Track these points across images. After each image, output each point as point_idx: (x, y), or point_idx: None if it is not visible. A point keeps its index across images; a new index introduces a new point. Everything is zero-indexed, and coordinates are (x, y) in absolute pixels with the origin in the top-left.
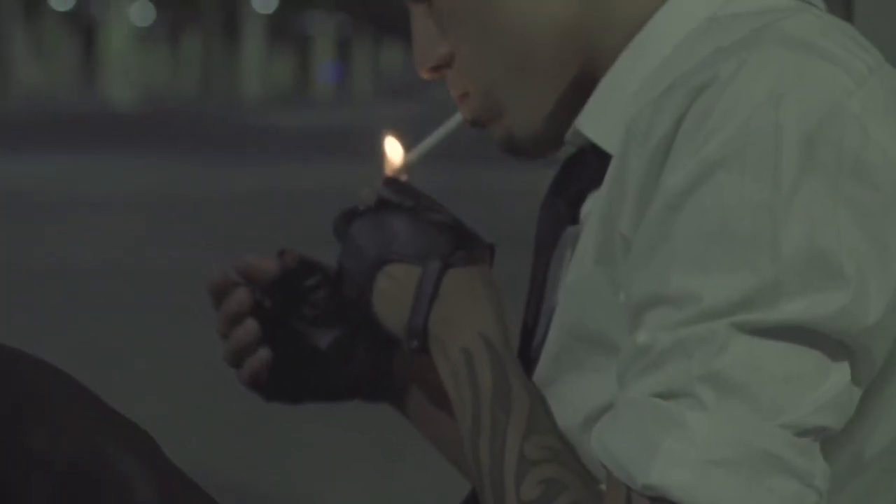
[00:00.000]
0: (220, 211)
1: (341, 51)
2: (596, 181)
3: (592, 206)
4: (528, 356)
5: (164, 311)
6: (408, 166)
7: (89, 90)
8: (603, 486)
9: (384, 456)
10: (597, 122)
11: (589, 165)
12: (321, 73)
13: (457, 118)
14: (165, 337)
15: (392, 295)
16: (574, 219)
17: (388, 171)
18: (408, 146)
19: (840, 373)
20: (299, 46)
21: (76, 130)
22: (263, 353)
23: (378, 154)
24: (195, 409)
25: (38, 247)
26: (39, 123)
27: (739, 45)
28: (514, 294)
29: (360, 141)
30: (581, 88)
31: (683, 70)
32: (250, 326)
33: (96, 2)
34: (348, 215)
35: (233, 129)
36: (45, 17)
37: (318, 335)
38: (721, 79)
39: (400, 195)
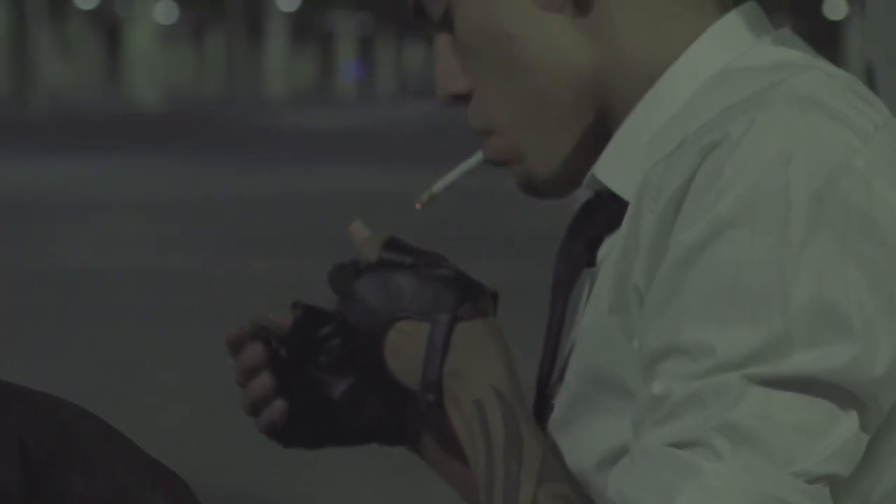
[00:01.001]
0: (244, 214)
1: (364, 49)
2: (612, 225)
3: (608, 252)
4: (545, 393)
5: (186, 316)
6: (431, 199)
7: (113, 89)
8: None
9: (391, 468)
10: (613, 169)
11: (606, 209)
12: (344, 72)
13: (478, 156)
14: (188, 343)
15: (404, 350)
16: (591, 261)
17: (417, 204)
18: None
19: (849, 422)
20: (322, 44)
21: (99, 131)
22: (279, 404)
23: (401, 157)
24: (212, 414)
25: (57, 250)
26: (63, 123)
27: (749, 103)
28: (530, 300)
29: (384, 142)
30: (597, 134)
31: (695, 125)
32: (266, 380)
33: (121, 0)
34: (347, 270)
35: (256, 130)
36: (71, 15)
37: (333, 383)
38: (732, 138)
39: (401, 253)
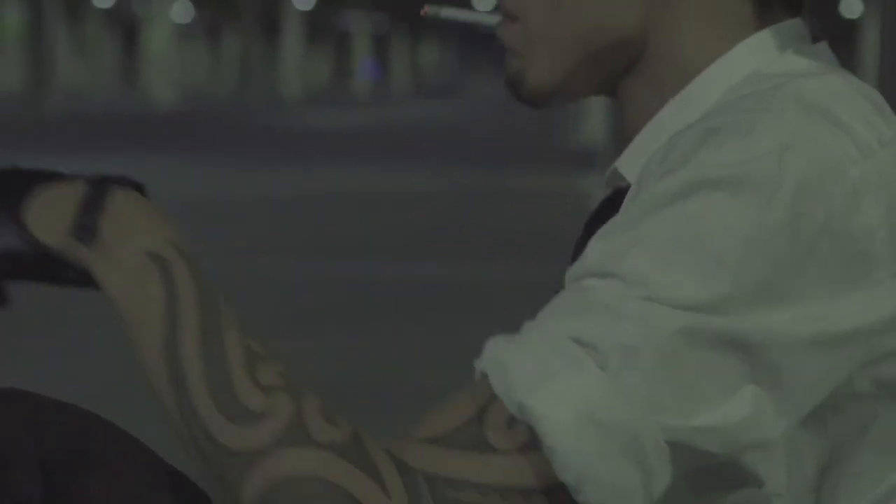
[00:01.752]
0: (260, 216)
1: (379, 48)
2: None
3: None
4: None
5: None
6: (434, 14)
7: (129, 88)
8: None
9: None
10: (635, 164)
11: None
12: (360, 71)
13: (494, 19)
14: None
15: (50, 209)
16: None
17: (424, 9)
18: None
19: (749, 402)
20: (337, 43)
21: (115, 131)
22: None
23: (417, 157)
24: None
25: None
26: (79, 123)
27: (757, 97)
28: (533, 300)
29: (400, 142)
30: (599, 83)
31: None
32: None
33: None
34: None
35: (272, 130)
36: (88, 15)
37: None
38: (734, 125)
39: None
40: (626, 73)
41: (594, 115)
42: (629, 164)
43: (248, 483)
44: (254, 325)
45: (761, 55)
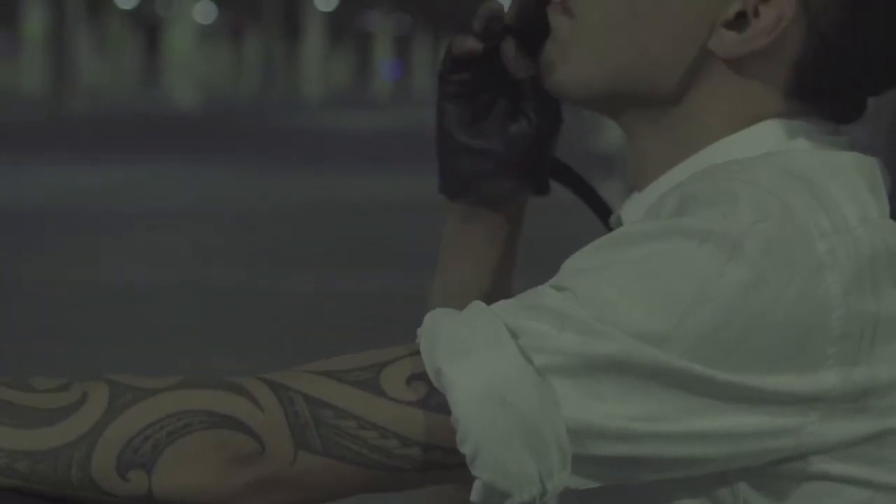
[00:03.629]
0: (284, 224)
1: (401, 49)
2: None
3: None
4: None
5: (225, 335)
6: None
7: (151, 89)
8: None
9: None
10: (635, 212)
11: None
12: (381, 72)
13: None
14: (224, 366)
15: None
16: None
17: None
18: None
19: (653, 429)
20: (359, 44)
21: (138, 133)
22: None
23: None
24: None
25: (95, 262)
26: (101, 125)
27: (744, 166)
28: None
29: (425, 145)
30: (617, 103)
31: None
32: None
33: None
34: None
35: (295, 133)
36: (111, 16)
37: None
38: (717, 192)
39: None
40: (645, 121)
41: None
42: (632, 211)
43: (97, 460)
44: (266, 340)
45: (774, 138)
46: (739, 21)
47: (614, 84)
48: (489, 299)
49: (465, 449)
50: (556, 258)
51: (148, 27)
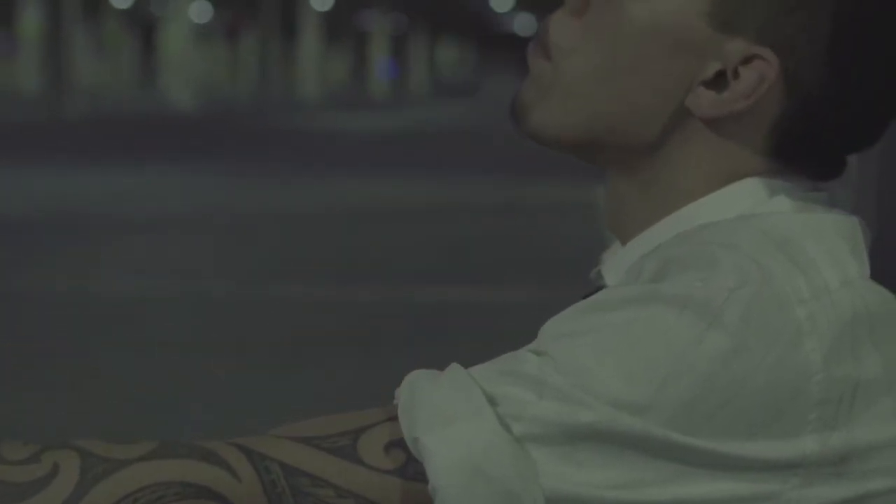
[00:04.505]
0: (280, 231)
1: (397, 48)
2: None
3: None
4: None
5: (221, 349)
6: None
7: (148, 90)
8: None
9: None
10: (615, 271)
11: None
12: (378, 71)
13: None
14: (219, 381)
15: None
16: None
17: None
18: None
19: (633, 494)
20: (355, 44)
21: (135, 135)
22: None
23: (442, 164)
24: None
25: (92, 273)
26: (98, 127)
27: (723, 230)
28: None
29: (422, 146)
30: (595, 150)
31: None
32: None
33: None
34: None
35: (292, 134)
36: (106, 15)
37: None
38: (696, 257)
39: None
40: (622, 170)
41: None
42: (611, 270)
43: None
44: (261, 351)
45: (754, 197)
46: (719, 81)
47: (590, 131)
48: None
49: None
50: (564, 265)
51: (144, 26)
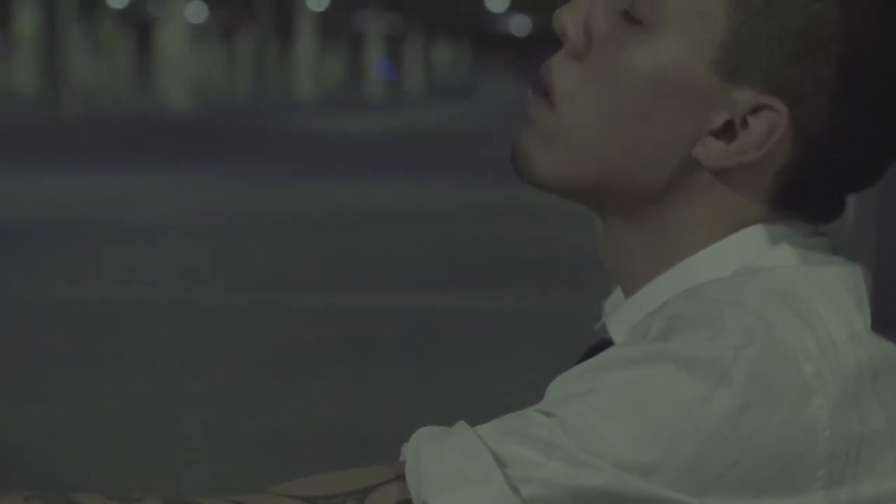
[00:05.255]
0: (277, 236)
1: (393, 49)
2: None
3: None
4: None
5: (215, 359)
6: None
7: (144, 89)
8: None
9: None
10: (621, 325)
11: None
12: (374, 72)
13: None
14: (213, 391)
15: None
16: None
17: None
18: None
19: None
20: (351, 44)
21: (132, 137)
22: None
23: (439, 166)
24: (241, 475)
25: (89, 279)
26: (94, 128)
27: (729, 287)
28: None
29: (419, 147)
30: (600, 197)
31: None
32: None
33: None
34: None
35: (289, 135)
36: (102, 15)
37: None
38: (703, 316)
39: None
40: (626, 217)
41: None
42: (616, 324)
43: None
44: (254, 361)
45: (757, 246)
46: (727, 131)
47: (596, 179)
48: None
49: None
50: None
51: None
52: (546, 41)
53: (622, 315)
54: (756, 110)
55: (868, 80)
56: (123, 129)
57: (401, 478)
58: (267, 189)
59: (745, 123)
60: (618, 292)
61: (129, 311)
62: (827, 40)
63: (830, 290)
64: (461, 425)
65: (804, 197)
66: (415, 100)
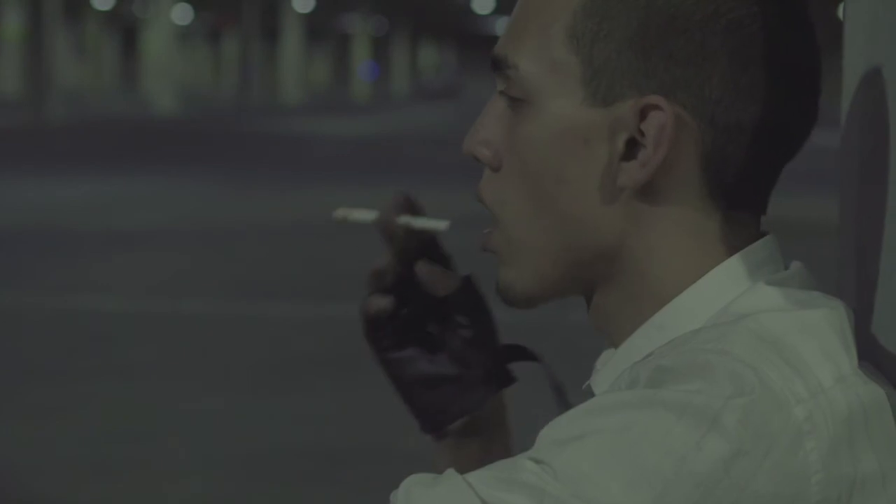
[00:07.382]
0: (262, 244)
1: (378, 51)
2: None
3: None
4: None
5: (199, 371)
6: (343, 220)
7: (129, 92)
8: None
9: None
10: (605, 381)
11: None
12: (360, 74)
13: (443, 224)
14: (199, 405)
15: None
16: None
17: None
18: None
19: None
20: (337, 46)
21: (117, 141)
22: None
23: (426, 171)
24: (232, 489)
25: (78, 287)
26: (79, 132)
27: (715, 335)
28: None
29: (407, 150)
30: (577, 287)
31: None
32: (385, 303)
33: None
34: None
35: (274, 139)
36: (87, 17)
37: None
38: (691, 366)
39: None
40: (607, 285)
41: None
42: (601, 382)
43: None
44: (241, 374)
45: (733, 287)
46: (633, 149)
47: (562, 265)
48: None
49: None
50: None
51: (125, 28)
52: None
53: (608, 370)
54: (643, 116)
55: (728, 41)
56: (109, 133)
57: None
58: (254, 193)
59: (641, 133)
60: (608, 352)
61: (112, 321)
62: (667, 24)
63: (815, 333)
64: (451, 473)
65: (736, 177)
66: (401, 102)
